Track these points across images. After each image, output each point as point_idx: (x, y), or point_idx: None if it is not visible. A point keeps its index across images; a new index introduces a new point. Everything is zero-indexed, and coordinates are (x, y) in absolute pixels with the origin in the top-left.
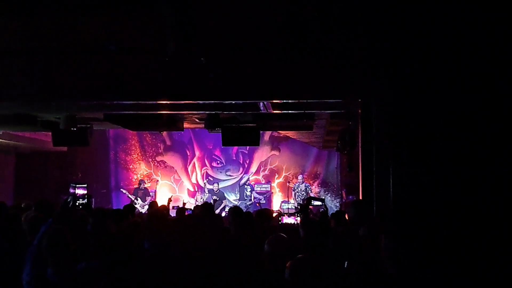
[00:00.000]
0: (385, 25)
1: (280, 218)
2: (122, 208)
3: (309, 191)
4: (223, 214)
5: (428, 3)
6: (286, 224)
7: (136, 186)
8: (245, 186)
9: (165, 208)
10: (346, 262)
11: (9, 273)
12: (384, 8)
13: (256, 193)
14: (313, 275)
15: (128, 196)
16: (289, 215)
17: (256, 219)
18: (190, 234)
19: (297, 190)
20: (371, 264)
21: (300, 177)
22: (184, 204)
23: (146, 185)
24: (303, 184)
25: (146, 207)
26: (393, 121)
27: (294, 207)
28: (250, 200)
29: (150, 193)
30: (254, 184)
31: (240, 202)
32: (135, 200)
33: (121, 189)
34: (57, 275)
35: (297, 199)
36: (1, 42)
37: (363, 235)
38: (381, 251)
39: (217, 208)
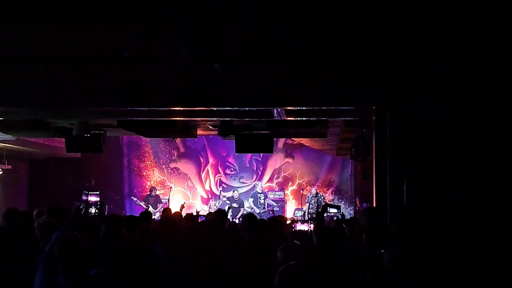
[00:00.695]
0: (399, 33)
1: (293, 225)
2: (137, 215)
3: (321, 203)
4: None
5: (443, 12)
6: (299, 231)
7: (147, 193)
8: (259, 194)
9: (178, 215)
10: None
11: (22, 280)
12: (398, 16)
13: (271, 199)
14: (301, 282)
15: (138, 204)
16: (303, 222)
17: (269, 226)
18: (202, 241)
19: (310, 202)
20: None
21: (313, 190)
22: (197, 212)
23: (158, 192)
24: (315, 197)
25: (158, 214)
26: (407, 128)
27: (306, 216)
28: (264, 208)
29: (162, 200)
30: (268, 191)
31: (253, 209)
32: (145, 207)
33: (132, 197)
34: (68, 282)
35: (309, 211)
36: (16, 49)
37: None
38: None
39: (235, 215)
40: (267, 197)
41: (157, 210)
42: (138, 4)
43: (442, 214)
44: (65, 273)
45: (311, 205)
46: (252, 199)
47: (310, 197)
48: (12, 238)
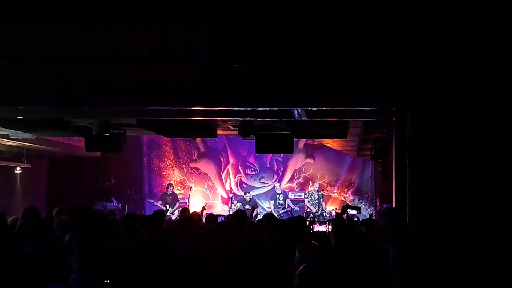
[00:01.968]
0: (420, 34)
1: (311, 226)
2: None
3: (321, 201)
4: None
5: (465, 13)
6: (317, 232)
7: (164, 191)
8: (278, 195)
9: (197, 215)
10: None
11: (41, 279)
12: (419, 17)
13: (290, 201)
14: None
15: (155, 205)
16: (320, 223)
17: (289, 227)
18: (222, 242)
19: (310, 198)
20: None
21: (316, 185)
22: (203, 208)
23: (175, 190)
24: (317, 193)
25: (176, 212)
26: (427, 130)
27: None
28: (284, 208)
29: (180, 200)
30: (288, 191)
31: (273, 210)
32: (162, 207)
33: (148, 199)
34: (79, 282)
35: (311, 207)
36: (36, 48)
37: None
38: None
39: (249, 217)
40: (287, 197)
41: (175, 208)
42: (158, 3)
43: (461, 216)
44: (79, 273)
45: (311, 202)
46: (272, 201)
47: (310, 193)
48: (32, 237)
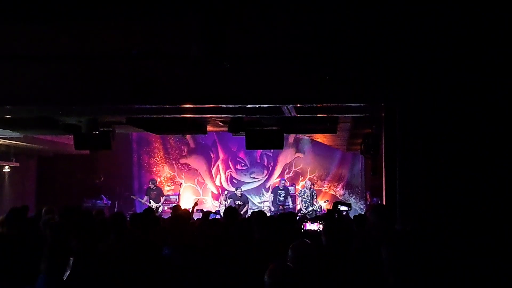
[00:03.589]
0: (409, 30)
1: (302, 225)
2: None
3: (314, 198)
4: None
5: (453, 9)
6: (310, 230)
7: (148, 186)
8: (279, 191)
9: (187, 212)
10: None
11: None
12: (408, 13)
13: (290, 196)
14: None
15: (140, 201)
16: (312, 221)
17: (279, 223)
18: (213, 239)
19: (303, 196)
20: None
21: (308, 182)
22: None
23: (163, 186)
24: (309, 190)
25: (161, 208)
26: (416, 125)
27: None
28: (283, 205)
29: (165, 194)
30: (289, 186)
31: (270, 205)
32: (147, 203)
33: (132, 196)
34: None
35: (303, 205)
36: (24, 47)
37: None
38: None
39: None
40: (289, 195)
41: (160, 204)
42: (148, 2)
43: (450, 212)
44: (46, 274)
45: (303, 200)
46: (272, 195)
47: (303, 191)
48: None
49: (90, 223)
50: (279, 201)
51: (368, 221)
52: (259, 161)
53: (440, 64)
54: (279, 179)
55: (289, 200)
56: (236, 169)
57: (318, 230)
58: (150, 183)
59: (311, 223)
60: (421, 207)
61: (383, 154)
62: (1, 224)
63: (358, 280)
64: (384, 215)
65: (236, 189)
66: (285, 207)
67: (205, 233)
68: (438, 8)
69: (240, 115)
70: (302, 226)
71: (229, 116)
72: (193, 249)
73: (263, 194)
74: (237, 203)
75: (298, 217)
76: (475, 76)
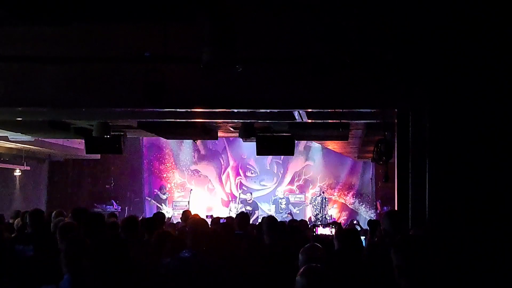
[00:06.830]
0: (422, 36)
1: (314, 229)
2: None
3: (326, 204)
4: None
5: (469, 15)
6: (321, 235)
7: (157, 193)
8: (279, 200)
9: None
10: None
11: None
12: (421, 18)
13: (291, 203)
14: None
15: (153, 204)
16: (324, 226)
17: (290, 229)
18: (224, 244)
19: (314, 203)
20: None
21: (318, 189)
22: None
23: (177, 194)
24: (320, 197)
25: (171, 213)
26: (430, 131)
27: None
28: (286, 212)
29: (177, 201)
30: (288, 194)
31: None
32: (161, 207)
33: (147, 197)
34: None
35: (313, 212)
36: (36, 49)
37: None
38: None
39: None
40: (289, 203)
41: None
42: (160, 4)
43: (465, 218)
44: (69, 274)
45: (315, 206)
46: (274, 206)
47: (314, 198)
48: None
49: (101, 225)
50: (281, 209)
51: (381, 226)
52: (269, 168)
53: (454, 69)
54: (289, 186)
55: (291, 207)
56: (246, 176)
57: (330, 235)
58: (159, 190)
59: (323, 227)
60: (434, 215)
61: (396, 161)
62: (22, 217)
63: (369, 284)
64: (397, 221)
65: (246, 194)
66: (291, 213)
67: (216, 237)
68: (453, 14)
69: (251, 120)
70: (314, 230)
71: (240, 121)
72: (206, 253)
73: (272, 203)
74: (247, 208)
75: (310, 225)
76: (490, 81)
